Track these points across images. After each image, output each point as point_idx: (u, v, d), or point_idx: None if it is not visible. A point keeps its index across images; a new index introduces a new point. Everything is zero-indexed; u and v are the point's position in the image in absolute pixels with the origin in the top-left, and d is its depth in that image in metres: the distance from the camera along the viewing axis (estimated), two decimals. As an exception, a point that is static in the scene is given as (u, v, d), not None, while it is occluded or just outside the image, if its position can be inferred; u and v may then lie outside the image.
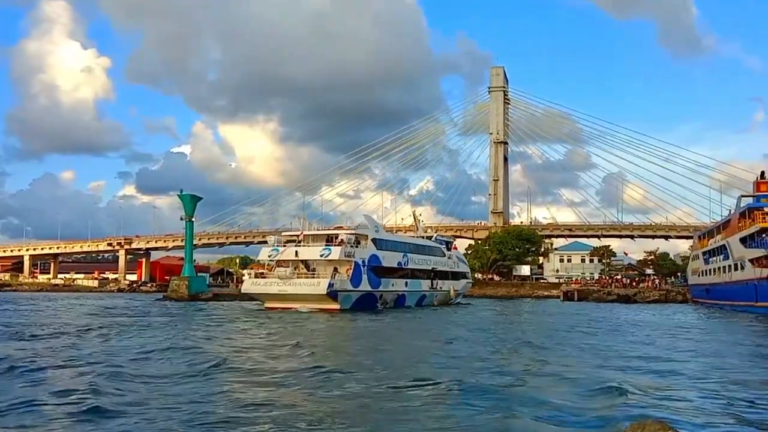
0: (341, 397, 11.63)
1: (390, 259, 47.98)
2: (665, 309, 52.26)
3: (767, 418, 10.36)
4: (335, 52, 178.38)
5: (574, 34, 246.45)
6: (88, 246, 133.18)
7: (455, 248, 64.48)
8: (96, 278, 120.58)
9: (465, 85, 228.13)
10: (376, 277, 45.84)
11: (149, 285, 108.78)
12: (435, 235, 61.07)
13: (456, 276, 59.02)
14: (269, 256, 45.37)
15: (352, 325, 31.45)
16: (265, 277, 45.11)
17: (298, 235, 46.47)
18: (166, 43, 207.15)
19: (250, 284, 45.81)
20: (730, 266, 49.98)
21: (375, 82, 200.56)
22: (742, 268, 46.44)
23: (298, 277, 43.22)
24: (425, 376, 13.53)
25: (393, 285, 48.01)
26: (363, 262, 44.62)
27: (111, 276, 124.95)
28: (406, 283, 49.91)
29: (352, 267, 43.50)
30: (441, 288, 55.12)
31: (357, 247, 44.93)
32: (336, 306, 41.67)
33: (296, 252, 44.35)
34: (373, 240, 46.96)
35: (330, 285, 41.48)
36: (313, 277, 43.14)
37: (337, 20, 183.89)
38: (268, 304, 43.54)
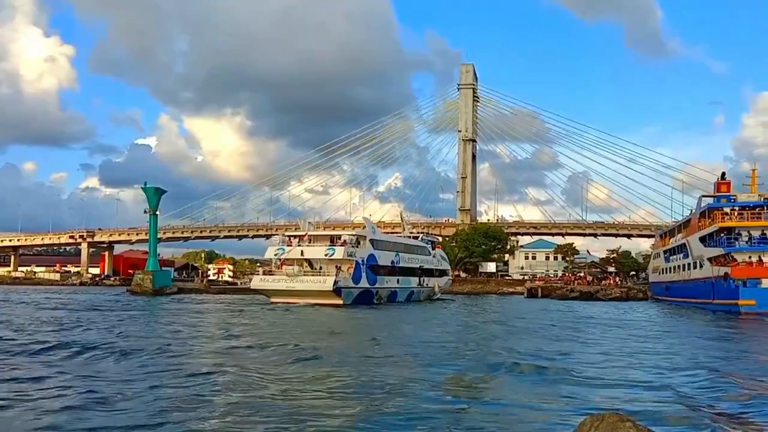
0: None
1: (385, 258, 51.55)
2: (625, 305, 53.52)
3: (717, 407, 10.78)
4: (304, 46, 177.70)
5: (544, 35, 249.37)
6: (50, 239, 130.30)
7: (438, 247, 68.41)
8: (58, 271, 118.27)
9: (435, 83, 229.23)
10: (373, 275, 49.26)
11: (112, 279, 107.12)
12: (421, 235, 65.42)
13: (439, 273, 63.62)
14: (275, 255, 48.07)
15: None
16: (273, 275, 47.58)
17: (302, 236, 49.03)
18: (133, 33, 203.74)
19: (258, 281, 48.12)
20: (689, 264, 51.12)
21: (345, 78, 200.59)
22: (701, 266, 47.53)
23: (304, 275, 45.75)
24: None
25: (387, 282, 51.61)
26: (362, 260, 47.98)
27: (73, 269, 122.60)
28: (398, 280, 53.62)
29: (354, 265, 46.79)
30: (427, 285, 59.29)
31: (357, 247, 48.19)
32: (340, 301, 44.37)
33: (302, 251, 47.06)
34: (371, 240, 50.45)
35: (335, 282, 44.35)
36: (319, 275, 45.98)
37: (307, 14, 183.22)
38: (273, 299, 45.67)
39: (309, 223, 52.67)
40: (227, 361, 15.37)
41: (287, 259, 47.12)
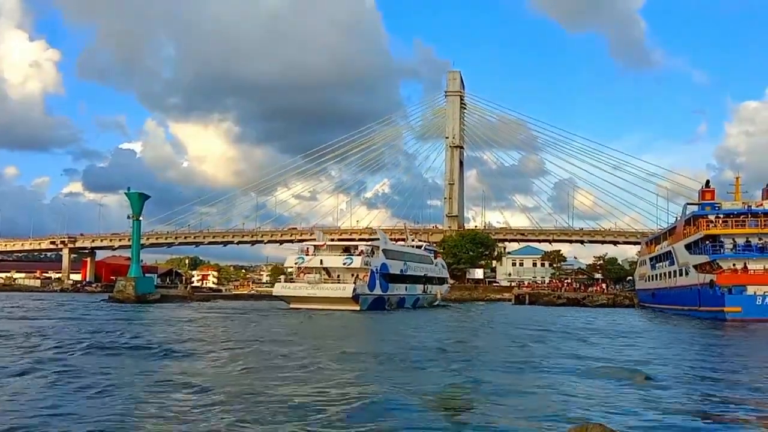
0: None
1: (395, 267, 54.72)
2: (613, 313, 53.38)
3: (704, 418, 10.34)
4: (292, 52, 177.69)
5: (530, 45, 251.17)
6: (30, 244, 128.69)
7: (439, 256, 72.07)
8: (38, 277, 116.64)
9: (424, 90, 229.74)
10: (385, 283, 52.29)
11: (94, 285, 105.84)
12: (424, 244, 69.14)
13: (440, 281, 66.95)
14: (295, 263, 51.59)
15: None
16: (294, 282, 50.71)
17: (320, 245, 52.74)
18: (120, 38, 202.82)
19: (280, 288, 51.00)
20: (675, 272, 51.14)
21: (333, 84, 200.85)
22: (687, 273, 47.55)
23: (324, 282, 48.98)
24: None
25: (396, 289, 54.64)
26: (376, 269, 51.03)
27: (54, 275, 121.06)
28: (406, 288, 56.77)
29: (369, 274, 49.79)
30: (430, 292, 62.16)
31: (372, 256, 51.37)
32: (357, 307, 47.12)
33: (321, 260, 50.29)
34: (384, 250, 53.84)
35: (354, 289, 47.26)
36: (339, 282, 49.05)
37: (294, 21, 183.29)
38: (293, 305, 48.07)
39: (324, 233, 55.64)
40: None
41: (307, 268, 50.29)
